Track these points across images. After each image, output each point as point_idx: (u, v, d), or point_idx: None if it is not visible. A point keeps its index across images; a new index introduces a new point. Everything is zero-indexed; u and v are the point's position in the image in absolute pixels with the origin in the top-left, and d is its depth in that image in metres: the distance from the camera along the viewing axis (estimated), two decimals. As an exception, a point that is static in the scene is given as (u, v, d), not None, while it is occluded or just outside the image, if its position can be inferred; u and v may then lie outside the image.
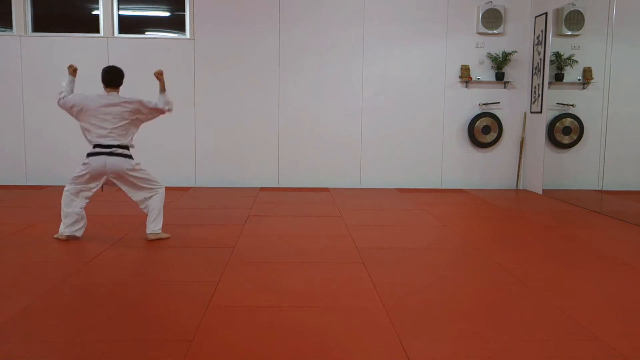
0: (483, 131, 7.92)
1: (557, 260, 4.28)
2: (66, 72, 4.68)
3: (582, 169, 7.38)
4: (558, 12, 7.28)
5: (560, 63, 7.33)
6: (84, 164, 4.42)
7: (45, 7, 7.75)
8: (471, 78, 7.83)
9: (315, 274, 3.79)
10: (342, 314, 3.05)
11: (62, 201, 4.47)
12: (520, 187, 8.10)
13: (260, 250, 4.40)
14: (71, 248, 4.35)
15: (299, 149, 7.76)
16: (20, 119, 7.64)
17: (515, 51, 7.79)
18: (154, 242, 4.58)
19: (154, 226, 4.55)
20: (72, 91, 4.60)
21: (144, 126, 7.68)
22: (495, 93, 7.94)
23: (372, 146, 7.92)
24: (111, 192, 7.23)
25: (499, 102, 7.94)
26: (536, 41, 7.63)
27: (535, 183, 7.73)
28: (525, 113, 7.97)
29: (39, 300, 3.17)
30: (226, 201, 6.68)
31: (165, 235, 4.64)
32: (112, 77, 4.52)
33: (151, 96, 8.41)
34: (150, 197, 4.54)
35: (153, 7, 8.07)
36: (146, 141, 7.78)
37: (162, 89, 4.74)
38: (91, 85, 7.81)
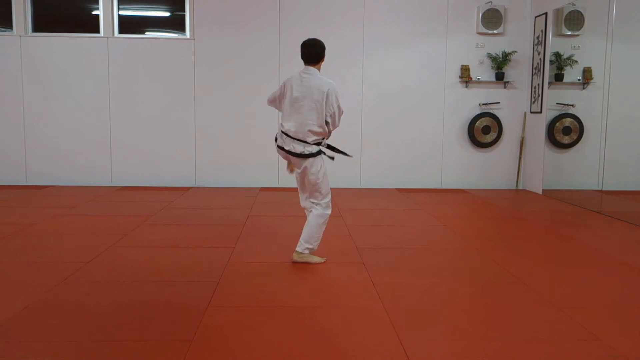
0: (483, 131, 7.92)
1: (557, 260, 4.28)
2: None
3: (582, 169, 7.37)
4: (558, 12, 7.27)
5: (560, 63, 7.32)
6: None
7: (45, 7, 7.74)
8: (471, 78, 7.82)
9: (315, 274, 3.79)
10: (342, 314, 3.05)
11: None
12: (520, 187, 8.10)
13: (260, 250, 4.40)
14: (71, 248, 4.36)
15: (299, 149, 7.74)
16: (21, 119, 7.64)
17: (515, 51, 7.79)
18: (154, 242, 4.57)
19: (299, 245, 4.00)
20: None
21: (143, 126, 7.75)
22: (495, 93, 7.94)
23: (372, 146, 7.91)
24: (111, 192, 7.23)
25: (499, 102, 7.93)
26: (536, 41, 7.63)
27: (535, 183, 7.73)
28: (525, 113, 7.97)
29: (39, 300, 3.17)
30: (226, 201, 6.68)
31: (316, 259, 3.99)
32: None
33: (146, 97, 8.36)
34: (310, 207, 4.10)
35: (153, 7, 8.07)
36: (146, 141, 7.81)
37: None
38: (91, 85, 7.86)
